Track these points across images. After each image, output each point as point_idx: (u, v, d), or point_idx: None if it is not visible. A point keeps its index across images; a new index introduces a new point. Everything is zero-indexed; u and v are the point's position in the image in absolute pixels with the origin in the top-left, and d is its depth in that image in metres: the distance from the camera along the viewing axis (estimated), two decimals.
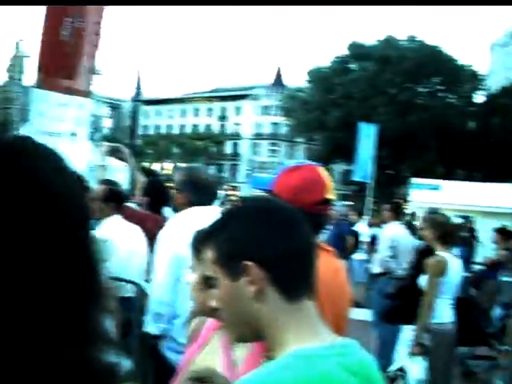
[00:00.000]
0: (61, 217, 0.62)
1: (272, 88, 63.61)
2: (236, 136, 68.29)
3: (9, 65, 54.01)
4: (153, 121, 73.88)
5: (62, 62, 5.79)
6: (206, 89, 76.38)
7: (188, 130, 70.36)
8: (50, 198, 0.64)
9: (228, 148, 68.87)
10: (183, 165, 29.72)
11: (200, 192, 3.41)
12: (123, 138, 43.13)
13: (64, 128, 5.89)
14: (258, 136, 66.22)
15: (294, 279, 1.24)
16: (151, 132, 71.81)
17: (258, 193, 2.21)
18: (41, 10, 5.71)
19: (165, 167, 53.17)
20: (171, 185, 4.49)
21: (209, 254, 1.31)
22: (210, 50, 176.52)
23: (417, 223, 11.52)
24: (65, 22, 5.71)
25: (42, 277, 0.59)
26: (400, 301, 5.59)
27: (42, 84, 5.80)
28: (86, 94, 6.22)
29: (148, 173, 5.98)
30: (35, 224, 0.60)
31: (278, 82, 64.36)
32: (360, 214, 15.17)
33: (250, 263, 1.20)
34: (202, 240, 1.69)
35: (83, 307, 0.63)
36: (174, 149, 61.82)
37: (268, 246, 1.22)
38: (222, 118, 70.17)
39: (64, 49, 5.74)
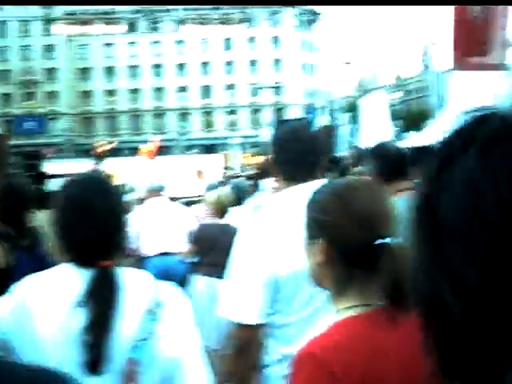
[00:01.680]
0: None
1: None
2: None
3: (421, 55, 55.75)
4: None
5: (475, 39, 5.74)
6: None
7: None
8: None
9: None
10: None
11: None
12: None
13: (483, 105, 5.82)
14: None
15: None
16: None
17: None
18: None
19: None
20: None
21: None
22: None
23: None
24: None
25: None
26: None
27: (456, 65, 5.86)
28: (501, 67, 6.02)
29: None
30: None
31: None
32: None
33: None
34: None
35: None
36: None
37: None
38: None
39: (476, 24, 5.68)
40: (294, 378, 1.33)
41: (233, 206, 5.80)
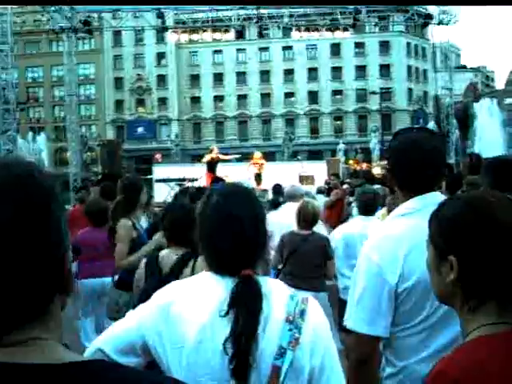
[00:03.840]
0: None
1: None
2: None
3: None
4: None
5: None
6: None
7: None
8: None
9: None
10: None
11: None
12: None
13: None
14: None
15: None
16: None
17: None
18: None
19: None
20: None
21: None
22: None
23: None
24: None
25: None
26: None
27: None
28: None
29: None
30: None
31: None
32: None
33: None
34: None
35: None
36: None
37: None
38: None
39: None
40: None
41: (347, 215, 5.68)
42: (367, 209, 5.73)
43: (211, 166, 19.01)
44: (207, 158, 19.37)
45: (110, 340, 1.70)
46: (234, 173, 18.31)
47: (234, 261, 1.67)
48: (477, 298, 1.37)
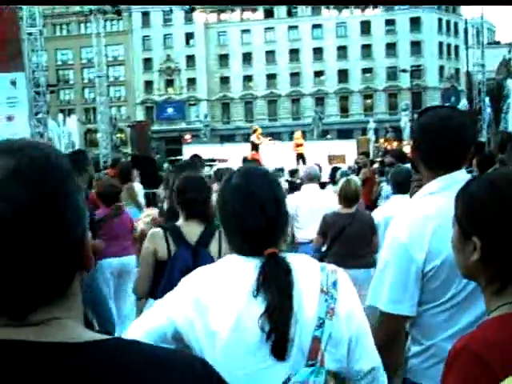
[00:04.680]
0: None
1: None
2: None
3: None
4: None
5: None
6: None
7: None
8: None
9: None
10: None
11: None
12: None
13: None
14: None
15: None
16: None
17: None
18: None
19: None
20: None
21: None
22: None
23: None
24: None
25: None
26: None
27: None
28: None
29: None
30: None
31: None
32: None
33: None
34: None
35: None
36: None
37: None
38: None
39: None
40: (449, 372, 1.29)
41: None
42: (402, 187, 5.68)
43: (256, 145, 18.99)
44: (252, 137, 19.33)
45: (139, 333, 1.71)
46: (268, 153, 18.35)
47: (259, 241, 1.69)
48: (500, 279, 1.36)
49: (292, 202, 6.22)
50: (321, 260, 5.44)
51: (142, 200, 8.03)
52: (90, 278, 5.13)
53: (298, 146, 20.34)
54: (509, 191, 1.37)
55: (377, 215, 5.84)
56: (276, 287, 1.60)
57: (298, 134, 21.19)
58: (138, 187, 8.40)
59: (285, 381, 1.57)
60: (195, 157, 6.60)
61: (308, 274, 1.69)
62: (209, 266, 1.76)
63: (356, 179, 5.86)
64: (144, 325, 1.74)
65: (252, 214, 1.70)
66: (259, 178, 1.79)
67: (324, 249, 5.58)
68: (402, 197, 5.54)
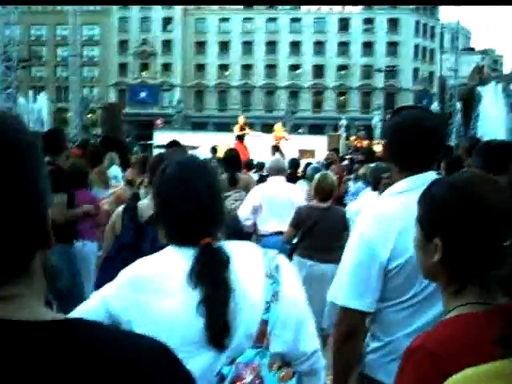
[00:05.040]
0: None
1: None
2: None
3: None
4: None
5: None
6: None
7: None
8: None
9: None
10: None
11: None
12: None
13: None
14: None
15: None
16: None
17: None
18: None
19: None
20: None
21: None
22: None
23: None
24: None
25: None
26: None
27: None
28: None
29: None
30: None
31: None
32: None
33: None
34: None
35: None
36: None
37: None
38: None
39: None
40: (403, 369, 1.32)
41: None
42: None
43: (239, 136, 18.94)
44: (236, 128, 19.26)
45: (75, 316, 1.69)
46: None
47: (192, 230, 1.69)
48: (460, 280, 1.39)
49: (256, 193, 6.19)
50: (291, 252, 5.47)
51: (120, 183, 7.83)
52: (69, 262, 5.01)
53: (278, 138, 20.34)
54: (469, 193, 1.39)
55: (352, 207, 5.88)
56: (210, 278, 1.61)
57: (278, 126, 21.16)
58: (117, 171, 8.30)
59: (228, 362, 1.59)
60: (175, 144, 6.50)
61: (251, 260, 1.71)
62: (147, 257, 1.74)
63: (332, 175, 5.88)
64: (79, 310, 1.73)
65: (184, 203, 1.70)
66: (194, 168, 1.79)
67: (295, 241, 5.58)
68: (379, 194, 5.59)
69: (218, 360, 1.59)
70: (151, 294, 1.61)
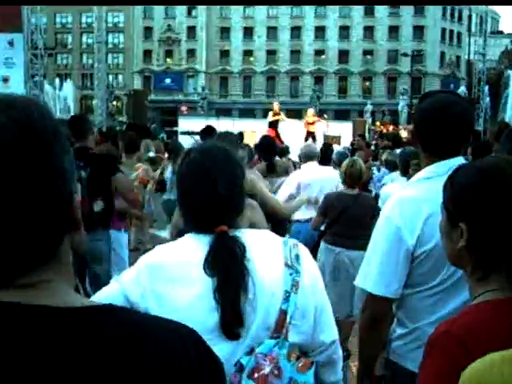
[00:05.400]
0: None
1: None
2: None
3: None
4: None
5: None
6: None
7: None
8: None
9: None
10: None
11: None
12: None
13: None
14: None
15: None
16: None
17: None
18: None
19: None
20: None
21: None
22: None
23: None
24: None
25: None
26: None
27: None
28: None
29: None
30: None
31: None
32: None
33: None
34: None
35: None
36: None
37: None
38: None
39: None
40: (430, 355, 1.31)
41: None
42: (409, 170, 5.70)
43: (271, 122, 18.91)
44: (270, 114, 19.24)
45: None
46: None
47: (208, 217, 1.68)
48: (486, 266, 1.37)
49: (293, 181, 6.18)
50: (319, 239, 5.45)
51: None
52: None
53: (310, 124, 20.21)
54: (495, 177, 1.37)
55: (382, 194, 5.82)
56: (222, 266, 1.59)
57: (310, 112, 20.99)
58: (152, 156, 9.50)
59: (247, 352, 1.58)
60: (209, 130, 6.48)
61: (270, 249, 1.69)
62: (166, 245, 1.75)
63: (360, 161, 5.81)
64: (98, 295, 1.72)
65: (202, 190, 1.68)
66: (217, 154, 1.76)
67: (323, 228, 5.55)
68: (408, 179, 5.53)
69: (236, 350, 1.58)
70: (169, 283, 1.60)
